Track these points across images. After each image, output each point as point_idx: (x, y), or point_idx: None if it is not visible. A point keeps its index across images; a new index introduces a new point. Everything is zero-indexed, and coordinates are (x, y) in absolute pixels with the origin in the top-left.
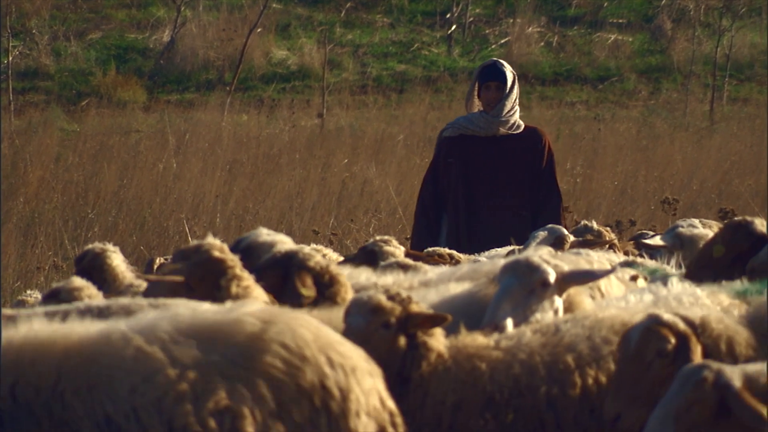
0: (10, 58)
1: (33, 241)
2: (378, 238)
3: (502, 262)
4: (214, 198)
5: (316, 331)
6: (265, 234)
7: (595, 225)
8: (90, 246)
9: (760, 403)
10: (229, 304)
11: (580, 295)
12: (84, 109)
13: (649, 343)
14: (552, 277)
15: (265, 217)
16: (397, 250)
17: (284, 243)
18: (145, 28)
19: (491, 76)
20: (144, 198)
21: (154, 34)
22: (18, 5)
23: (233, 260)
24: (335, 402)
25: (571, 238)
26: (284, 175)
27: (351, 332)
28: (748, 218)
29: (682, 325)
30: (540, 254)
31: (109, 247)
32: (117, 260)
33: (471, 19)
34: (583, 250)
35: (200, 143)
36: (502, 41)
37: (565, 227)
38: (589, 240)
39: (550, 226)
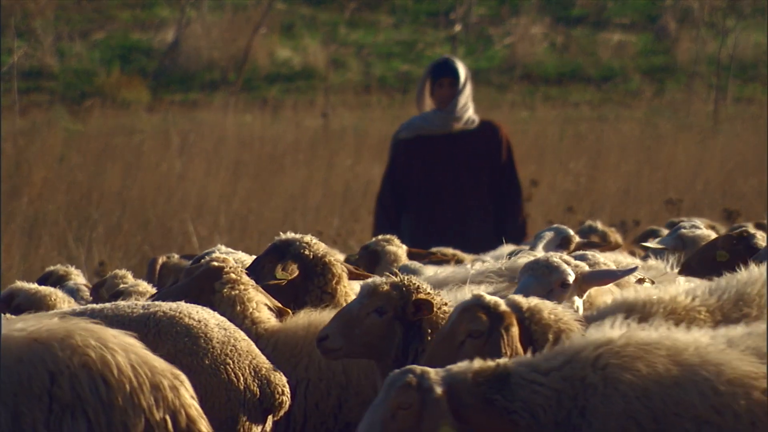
0: (15, 58)
1: (37, 242)
2: (381, 237)
3: (520, 261)
4: (218, 198)
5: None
6: (223, 251)
7: (599, 225)
8: (52, 268)
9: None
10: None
11: (602, 296)
12: (88, 109)
13: (461, 323)
14: (571, 278)
15: (269, 217)
16: (400, 250)
17: (243, 261)
18: (149, 28)
19: (444, 72)
20: (148, 198)
21: (158, 34)
22: (22, 5)
23: (231, 266)
24: None
25: (577, 238)
26: (288, 176)
27: (343, 313)
28: (750, 230)
29: (502, 308)
30: (560, 255)
31: (72, 270)
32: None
33: (475, 19)
34: (589, 252)
35: (204, 143)
36: (506, 41)
37: (524, 220)
38: (596, 243)
39: (555, 226)
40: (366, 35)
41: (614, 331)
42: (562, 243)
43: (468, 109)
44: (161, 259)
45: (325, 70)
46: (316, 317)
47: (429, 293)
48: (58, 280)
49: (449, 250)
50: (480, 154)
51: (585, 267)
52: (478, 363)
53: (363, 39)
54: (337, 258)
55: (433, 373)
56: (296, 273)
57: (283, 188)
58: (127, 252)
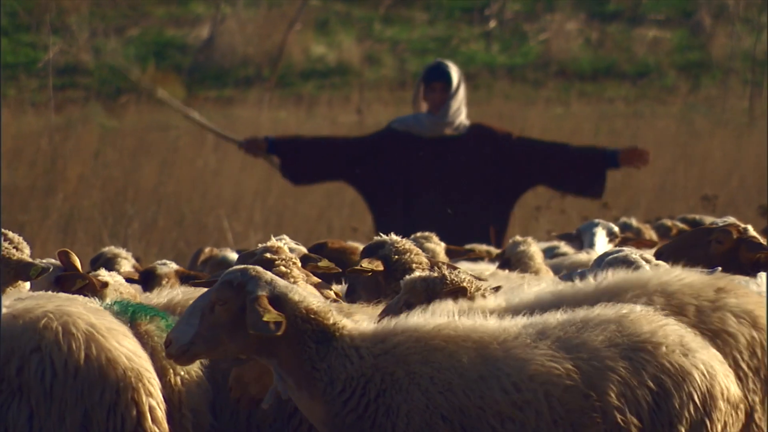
0: (50, 55)
1: (72, 238)
2: (419, 234)
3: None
4: (253, 194)
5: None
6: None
7: (634, 222)
8: (104, 249)
9: (281, 315)
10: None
11: None
12: (123, 105)
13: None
14: None
15: (304, 213)
16: (438, 247)
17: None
18: (184, 24)
19: (435, 77)
20: (183, 194)
21: (193, 30)
22: (57, 2)
23: (284, 258)
24: None
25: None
26: None
27: (385, 310)
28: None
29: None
30: (639, 252)
31: (122, 252)
32: (126, 267)
33: (509, 15)
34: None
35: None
36: (541, 37)
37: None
38: (631, 238)
39: (598, 221)
40: (401, 31)
41: (433, 320)
42: (609, 238)
43: (460, 114)
44: (207, 251)
45: (359, 66)
46: (368, 311)
47: (459, 283)
48: (106, 263)
49: (483, 247)
50: (472, 158)
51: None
52: (323, 306)
53: (398, 35)
54: (423, 266)
55: (265, 280)
56: (381, 268)
57: (318, 185)
58: (163, 248)
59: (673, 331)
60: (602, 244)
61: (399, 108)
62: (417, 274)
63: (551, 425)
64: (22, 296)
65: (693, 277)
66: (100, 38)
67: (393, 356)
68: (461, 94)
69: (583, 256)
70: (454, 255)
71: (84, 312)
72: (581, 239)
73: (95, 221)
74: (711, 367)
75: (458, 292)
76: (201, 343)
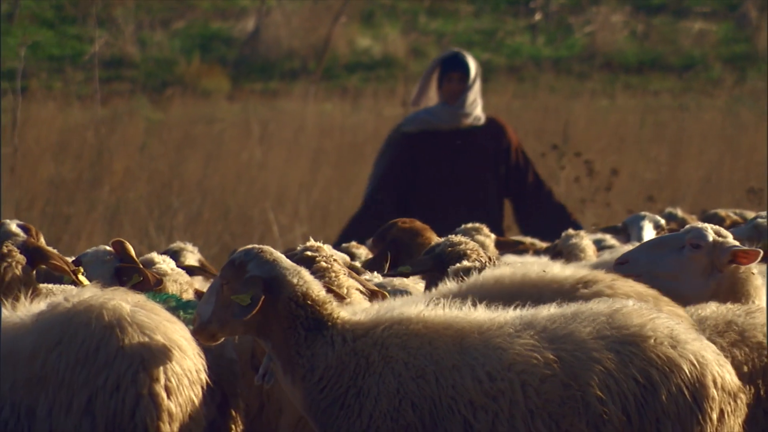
0: (96, 48)
1: (118, 231)
2: (469, 226)
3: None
4: (299, 187)
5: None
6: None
7: (679, 212)
8: (173, 245)
9: (246, 297)
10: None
11: (754, 279)
12: (169, 98)
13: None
14: (704, 241)
15: (350, 206)
16: (488, 239)
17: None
18: (230, 17)
19: (453, 67)
20: (228, 187)
21: (239, 23)
22: None
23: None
24: None
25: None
26: (368, 164)
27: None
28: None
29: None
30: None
31: (188, 247)
32: (191, 260)
33: (555, 7)
34: None
35: (284, 132)
36: (587, 30)
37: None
38: (677, 229)
39: (644, 213)
40: (446, 24)
41: (416, 308)
42: (656, 231)
43: (477, 106)
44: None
45: (405, 59)
46: None
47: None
48: (172, 257)
49: (528, 239)
50: (487, 151)
51: (733, 242)
52: (323, 296)
53: (443, 28)
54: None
55: (266, 260)
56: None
57: (363, 177)
58: (208, 241)
59: (662, 324)
60: (650, 236)
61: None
62: (465, 263)
63: (527, 415)
64: (66, 290)
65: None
66: (146, 31)
67: (372, 339)
68: (478, 85)
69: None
70: (503, 247)
71: (118, 304)
72: (628, 232)
73: (141, 214)
74: (702, 358)
75: None
76: (215, 321)
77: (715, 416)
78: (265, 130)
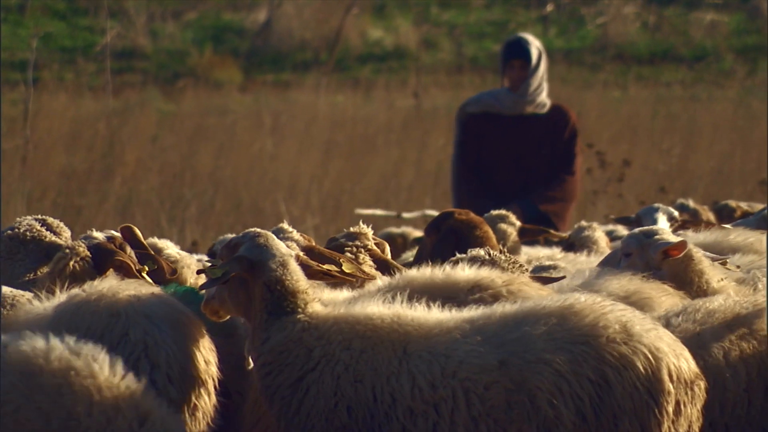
0: (108, 39)
1: (130, 221)
2: (495, 213)
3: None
4: (310, 178)
5: None
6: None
7: (691, 203)
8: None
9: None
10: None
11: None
12: (180, 89)
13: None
14: (632, 248)
15: (361, 197)
16: (510, 228)
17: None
18: (242, 8)
19: (515, 54)
20: (240, 178)
21: (251, 14)
22: None
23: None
24: None
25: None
26: (380, 156)
27: None
28: None
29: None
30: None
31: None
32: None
33: None
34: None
35: (296, 124)
36: (599, 21)
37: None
38: (690, 220)
39: (658, 205)
40: (458, 15)
41: (374, 307)
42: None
43: (541, 92)
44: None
45: (416, 50)
46: None
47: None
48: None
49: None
50: (548, 139)
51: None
52: (299, 286)
53: (455, 19)
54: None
55: (256, 244)
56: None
57: (375, 168)
58: (220, 232)
59: (615, 319)
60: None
61: (456, 92)
62: (470, 252)
63: (470, 422)
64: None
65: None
66: (158, 22)
67: (318, 332)
68: (542, 70)
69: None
70: (528, 234)
71: (130, 295)
72: (641, 224)
73: (153, 205)
74: (657, 350)
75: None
76: (217, 297)
77: (671, 409)
78: (276, 121)
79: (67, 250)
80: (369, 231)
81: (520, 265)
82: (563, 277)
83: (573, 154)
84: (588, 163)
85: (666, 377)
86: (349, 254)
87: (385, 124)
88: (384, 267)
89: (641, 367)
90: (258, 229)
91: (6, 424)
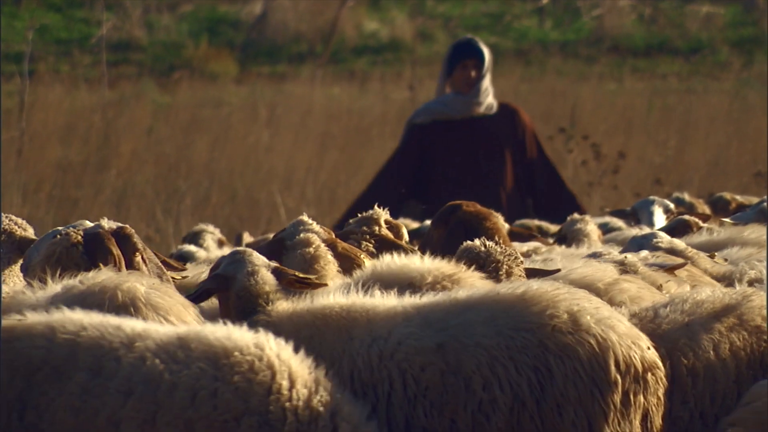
0: (103, 31)
1: (126, 214)
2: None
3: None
4: (306, 170)
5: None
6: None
7: (686, 196)
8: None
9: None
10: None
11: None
12: (176, 81)
13: None
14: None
15: (356, 189)
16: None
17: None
18: (237, 0)
19: (468, 54)
20: (235, 170)
21: (246, 6)
22: None
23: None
24: None
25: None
26: (375, 148)
27: None
28: None
29: None
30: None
31: (208, 228)
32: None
33: None
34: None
35: (291, 116)
36: (594, 13)
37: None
38: (686, 212)
39: (653, 198)
40: (453, 7)
41: (332, 297)
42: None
43: (489, 94)
44: (246, 235)
45: (412, 43)
46: None
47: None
48: (193, 238)
49: (535, 222)
50: (501, 139)
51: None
52: (261, 289)
53: (450, 11)
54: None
55: (233, 260)
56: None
57: (370, 160)
58: (215, 224)
59: (565, 308)
60: (660, 221)
61: None
62: (465, 244)
63: (406, 403)
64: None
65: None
66: (153, 14)
67: (274, 326)
68: (490, 73)
69: (635, 232)
70: (517, 238)
71: (132, 286)
72: (637, 216)
73: (148, 197)
74: (604, 340)
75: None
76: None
77: (617, 398)
78: (272, 113)
79: (59, 236)
80: (383, 214)
81: (516, 257)
82: (558, 270)
83: (546, 158)
84: (583, 155)
85: (612, 367)
86: (353, 242)
87: (380, 117)
88: (394, 251)
89: (585, 357)
90: (242, 248)
91: (204, 410)
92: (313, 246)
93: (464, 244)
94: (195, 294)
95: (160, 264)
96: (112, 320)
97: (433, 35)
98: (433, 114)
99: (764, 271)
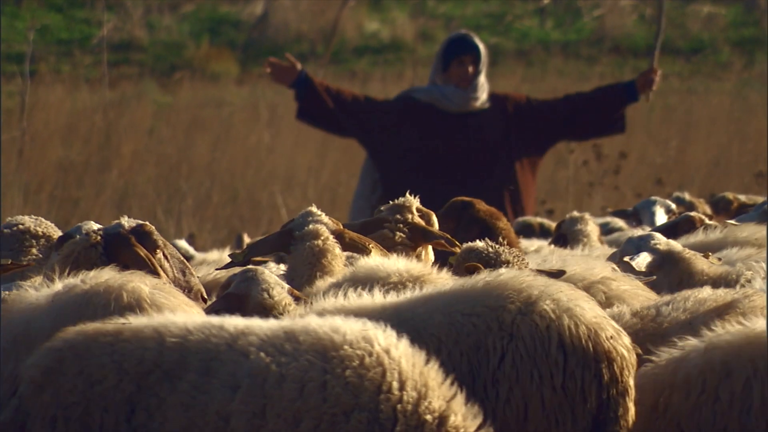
0: (104, 31)
1: (127, 214)
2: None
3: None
4: (307, 170)
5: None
6: None
7: (687, 196)
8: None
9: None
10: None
11: None
12: (177, 81)
13: None
14: None
15: None
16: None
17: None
18: (238, 0)
19: (465, 49)
20: (237, 170)
21: (247, 6)
22: None
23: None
24: None
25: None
26: None
27: None
28: None
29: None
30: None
31: None
32: None
33: None
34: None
35: (293, 116)
36: (596, 14)
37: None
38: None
39: (655, 198)
40: (454, 7)
41: (325, 302)
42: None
43: (485, 90)
44: (246, 236)
45: (413, 43)
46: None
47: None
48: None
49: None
50: (494, 132)
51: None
52: (276, 302)
53: (451, 11)
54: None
55: (245, 277)
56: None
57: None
58: (216, 224)
59: (526, 295)
60: (662, 221)
61: None
62: (468, 245)
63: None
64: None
65: None
66: (155, 14)
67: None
68: (485, 69)
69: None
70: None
71: (137, 286)
72: (639, 217)
73: (149, 197)
74: (553, 322)
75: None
76: None
77: (558, 382)
78: (273, 113)
79: (78, 237)
80: (414, 202)
81: (522, 258)
82: (564, 272)
83: (530, 100)
84: (584, 156)
85: (554, 348)
86: (388, 231)
87: None
88: (426, 238)
89: (529, 337)
90: (252, 266)
91: (312, 402)
92: (322, 238)
93: (468, 245)
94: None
95: (182, 259)
96: (214, 321)
97: (434, 36)
98: (432, 98)
99: (761, 272)
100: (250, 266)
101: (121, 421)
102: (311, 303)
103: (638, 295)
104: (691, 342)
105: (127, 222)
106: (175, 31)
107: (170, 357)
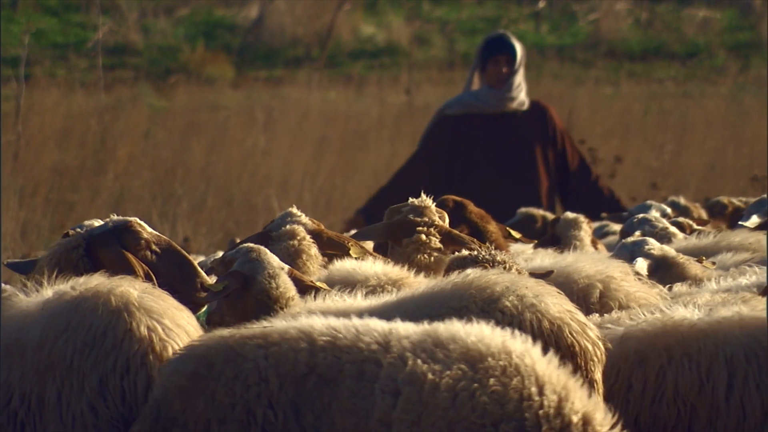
0: (100, 35)
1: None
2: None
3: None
4: (302, 174)
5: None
6: None
7: (682, 201)
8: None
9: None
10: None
11: None
12: (172, 85)
13: None
14: None
15: (353, 193)
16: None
17: None
18: (233, 4)
19: (500, 49)
20: (232, 174)
21: (242, 10)
22: None
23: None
24: None
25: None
26: (372, 152)
27: None
28: None
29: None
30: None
31: None
32: None
33: None
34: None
35: (288, 120)
36: (591, 18)
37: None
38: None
39: (651, 202)
40: (450, 11)
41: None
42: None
43: (522, 90)
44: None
45: (408, 47)
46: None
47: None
48: None
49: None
50: (532, 135)
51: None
52: (281, 294)
53: (447, 15)
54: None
55: (249, 259)
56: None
57: (367, 164)
58: (212, 228)
59: (489, 292)
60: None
61: (448, 88)
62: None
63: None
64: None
65: None
66: (150, 18)
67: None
68: (522, 69)
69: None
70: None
71: (125, 290)
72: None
73: (145, 201)
74: (511, 315)
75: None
76: (218, 311)
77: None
78: (269, 117)
79: (63, 239)
80: (431, 203)
81: (512, 259)
82: (551, 272)
83: (580, 157)
84: None
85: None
86: (423, 236)
87: (377, 121)
88: (455, 243)
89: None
90: (251, 245)
91: (463, 413)
92: (298, 238)
93: (459, 254)
94: (219, 292)
95: (180, 251)
96: (357, 322)
97: (429, 39)
98: (465, 106)
99: (757, 277)
100: (251, 245)
101: (290, 420)
102: (314, 293)
103: (644, 299)
104: (611, 331)
105: (111, 220)
106: (170, 35)
107: (324, 360)
